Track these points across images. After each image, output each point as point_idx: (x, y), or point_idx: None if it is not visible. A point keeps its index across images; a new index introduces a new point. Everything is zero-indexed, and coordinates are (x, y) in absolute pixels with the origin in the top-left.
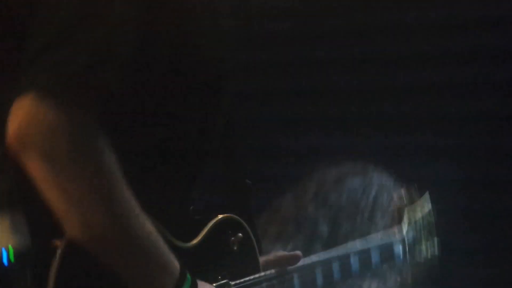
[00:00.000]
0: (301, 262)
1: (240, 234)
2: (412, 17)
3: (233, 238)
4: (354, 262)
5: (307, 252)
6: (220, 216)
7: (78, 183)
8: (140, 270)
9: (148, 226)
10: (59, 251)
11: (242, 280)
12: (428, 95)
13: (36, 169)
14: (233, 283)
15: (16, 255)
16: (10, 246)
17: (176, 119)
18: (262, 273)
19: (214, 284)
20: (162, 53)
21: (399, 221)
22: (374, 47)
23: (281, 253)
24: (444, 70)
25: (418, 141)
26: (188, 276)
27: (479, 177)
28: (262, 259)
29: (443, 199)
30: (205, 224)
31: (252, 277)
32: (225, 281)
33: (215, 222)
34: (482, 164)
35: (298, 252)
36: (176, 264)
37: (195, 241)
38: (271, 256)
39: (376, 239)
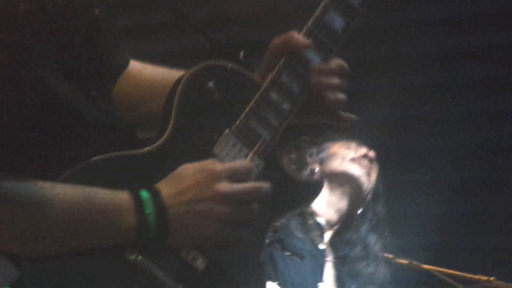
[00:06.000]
0: None
1: (210, 84)
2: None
3: (207, 90)
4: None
5: None
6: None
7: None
8: (93, 235)
9: (67, 199)
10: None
11: (238, 120)
12: None
13: None
14: (232, 129)
15: None
16: None
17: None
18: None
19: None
20: None
21: None
22: None
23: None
24: None
25: None
26: (142, 193)
27: None
28: (258, 74)
29: None
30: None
31: (247, 107)
32: (226, 131)
33: (178, 96)
34: None
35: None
36: (122, 196)
37: (171, 123)
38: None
39: None
